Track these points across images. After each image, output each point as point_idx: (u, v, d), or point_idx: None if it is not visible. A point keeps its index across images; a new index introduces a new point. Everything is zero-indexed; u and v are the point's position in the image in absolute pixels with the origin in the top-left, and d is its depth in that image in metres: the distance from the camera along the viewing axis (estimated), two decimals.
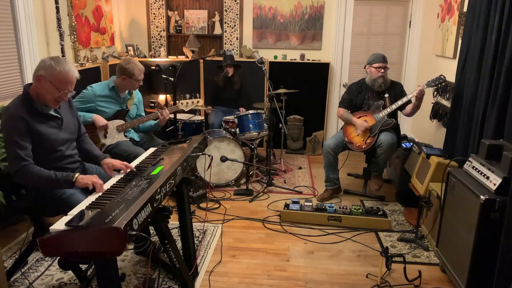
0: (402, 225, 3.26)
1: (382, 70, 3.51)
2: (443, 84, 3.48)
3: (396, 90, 3.58)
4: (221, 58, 4.47)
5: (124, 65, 3.10)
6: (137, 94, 3.38)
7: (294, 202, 3.35)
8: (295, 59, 5.12)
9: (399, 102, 3.43)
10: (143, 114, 3.46)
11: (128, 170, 2.16)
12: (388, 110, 3.46)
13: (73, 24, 3.78)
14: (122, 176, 2.11)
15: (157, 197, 1.74)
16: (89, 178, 2.00)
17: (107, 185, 2.00)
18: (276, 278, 2.54)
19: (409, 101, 3.43)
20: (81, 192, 2.14)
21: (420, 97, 3.31)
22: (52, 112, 2.16)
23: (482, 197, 2.10)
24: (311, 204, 3.30)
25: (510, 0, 2.54)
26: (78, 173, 2.05)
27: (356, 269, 2.65)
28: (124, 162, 2.22)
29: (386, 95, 3.52)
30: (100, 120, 3.05)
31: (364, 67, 3.66)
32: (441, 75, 3.37)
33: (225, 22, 5.18)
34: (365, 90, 3.64)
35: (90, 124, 3.04)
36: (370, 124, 3.50)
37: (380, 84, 3.53)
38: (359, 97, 3.66)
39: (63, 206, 2.02)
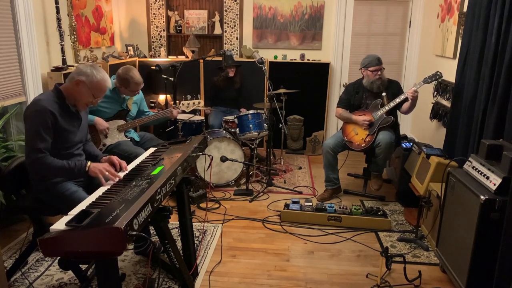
0: (402, 225, 3.26)
1: (379, 73, 3.53)
2: (439, 80, 3.48)
3: (393, 88, 3.60)
4: (221, 58, 4.48)
5: (122, 75, 3.09)
6: None
7: (294, 202, 3.35)
8: (295, 59, 5.12)
9: (397, 100, 3.44)
10: (146, 109, 3.46)
11: (120, 170, 2.21)
12: (386, 108, 3.48)
13: (73, 24, 3.78)
14: (122, 175, 2.11)
15: (157, 197, 1.74)
16: (100, 169, 2.08)
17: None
18: (276, 278, 2.54)
19: (406, 99, 3.44)
20: (84, 191, 2.19)
21: (414, 98, 3.33)
22: (76, 112, 2.27)
23: (482, 197, 2.10)
24: (311, 204, 3.30)
25: (510, 0, 2.54)
26: (89, 162, 2.15)
27: (356, 269, 2.65)
28: (121, 161, 2.27)
29: (384, 94, 3.53)
30: (101, 123, 3.05)
31: (360, 69, 3.67)
32: (438, 71, 3.39)
33: (225, 22, 5.18)
34: (362, 90, 3.66)
35: (91, 125, 3.04)
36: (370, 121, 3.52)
37: (378, 85, 3.54)
38: (356, 97, 3.68)
39: (66, 203, 2.05)
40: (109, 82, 2.27)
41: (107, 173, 2.07)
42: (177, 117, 3.88)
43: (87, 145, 2.48)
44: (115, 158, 2.27)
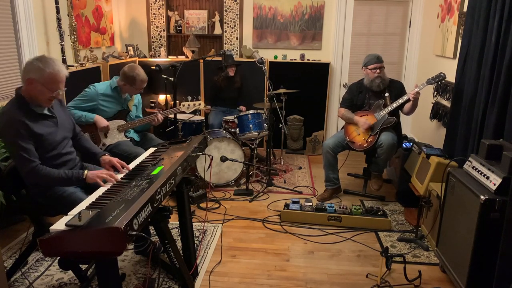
0: (402, 225, 3.26)
1: (378, 71, 3.53)
2: (443, 81, 3.48)
3: (396, 88, 3.59)
4: (221, 58, 4.48)
5: (127, 72, 3.09)
6: (136, 96, 3.39)
7: (294, 202, 3.35)
8: (295, 59, 5.12)
9: (400, 101, 3.44)
10: (141, 115, 3.46)
11: (124, 170, 2.19)
12: (389, 108, 3.47)
13: (73, 24, 3.78)
14: (122, 175, 2.11)
15: (157, 197, 1.74)
16: (98, 174, 2.06)
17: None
18: (276, 278, 2.54)
19: (408, 100, 3.44)
20: (82, 191, 2.18)
21: (415, 99, 3.34)
22: (46, 112, 2.18)
23: (482, 197, 2.10)
24: (311, 204, 3.30)
25: (510, 0, 2.54)
26: (87, 170, 2.11)
27: (356, 269, 2.65)
28: (122, 162, 2.25)
29: (387, 94, 3.53)
30: (101, 121, 3.05)
31: (362, 69, 3.67)
32: (441, 72, 3.39)
33: (225, 22, 5.18)
34: (365, 90, 3.66)
35: (91, 124, 3.04)
36: (371, 123, 3.51)
37: (378, 84, 3.54)
38: (359, 97, 3.67)
39: (64, 205, 2.03)
40: (62, 70, 2.08)
41: (105, 176, 2.04)
42: (177, 117, 3.89)
43: (82, 140, 2.43)
44: (115, 161, 2.24)
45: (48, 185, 2.13)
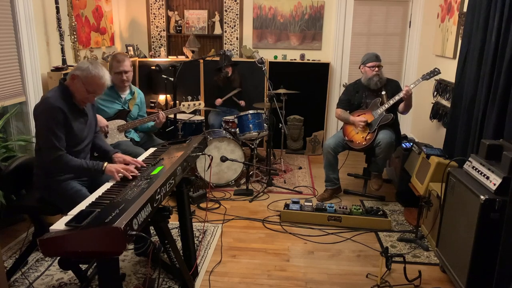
0: (402, 225, 3.26)
1: (376, 69, 3.55)
2: (437, 75, 3.47)
3: (392, 87, 3.61)
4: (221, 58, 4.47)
5: (109, 59, 3.16)
6: (139, 94, 3.37)
7: (294, 202, 3.35)
8: (295, 59, 5.12)
9: (396, 97, 3.46)
10: (145, 115, 3.46)
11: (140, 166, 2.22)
12: (386, 106, 3.49)
13: (73, 24, 3.78)
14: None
15: (157, 197, 1.74)
16: (116, 167, 2.11)
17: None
18: (276, 278, 2.54)
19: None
20: (87, 189, 2.21)
21: (407, 96, 3.36)
22: (83, 109, 2.29)
23: (482, 197, 2.10)
24: (311, 204, 3.30)
25: (510, 0, 2.54)
26: (106, 162, 2.18)
27: (356, 269, 2.65)
28: (134, 158, 2.29)
29: (383, 92, 3.54)
30: (101, 120, 3.05)
31: (359, 68, 3.69)
32: (436, 68, 3.41)
33: (225, 22, 5.18)
34: (361, 89, 3.67)
35: None
36: (369, 121, 3.52)
37: (376, 82, 3.56)
38: (356, 97, 3.69)
39: (68, 202, 2.06)
40: (106, 79, 2.23)
41: (122, 170, 2.09)
42: (177, 117, 3.88)
43: (97, 138, 2.48)
44: (129, 158, 2.29)
45: (67, 172, 2.20)
